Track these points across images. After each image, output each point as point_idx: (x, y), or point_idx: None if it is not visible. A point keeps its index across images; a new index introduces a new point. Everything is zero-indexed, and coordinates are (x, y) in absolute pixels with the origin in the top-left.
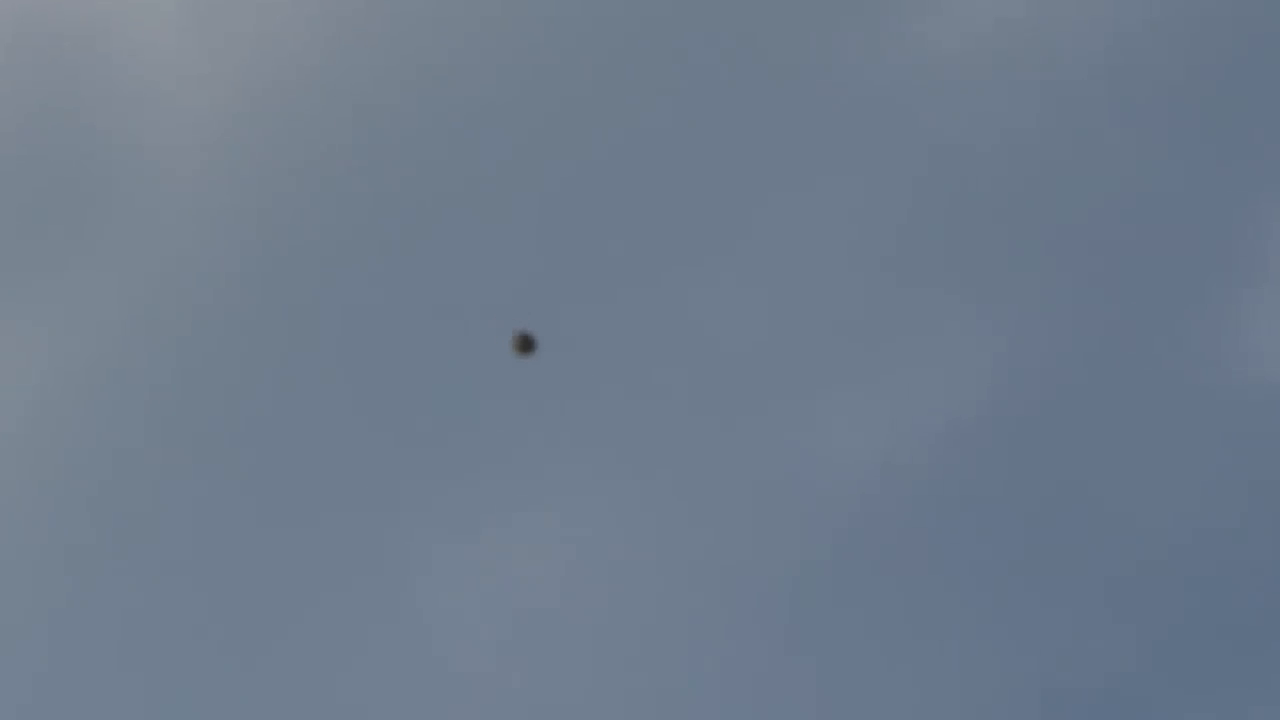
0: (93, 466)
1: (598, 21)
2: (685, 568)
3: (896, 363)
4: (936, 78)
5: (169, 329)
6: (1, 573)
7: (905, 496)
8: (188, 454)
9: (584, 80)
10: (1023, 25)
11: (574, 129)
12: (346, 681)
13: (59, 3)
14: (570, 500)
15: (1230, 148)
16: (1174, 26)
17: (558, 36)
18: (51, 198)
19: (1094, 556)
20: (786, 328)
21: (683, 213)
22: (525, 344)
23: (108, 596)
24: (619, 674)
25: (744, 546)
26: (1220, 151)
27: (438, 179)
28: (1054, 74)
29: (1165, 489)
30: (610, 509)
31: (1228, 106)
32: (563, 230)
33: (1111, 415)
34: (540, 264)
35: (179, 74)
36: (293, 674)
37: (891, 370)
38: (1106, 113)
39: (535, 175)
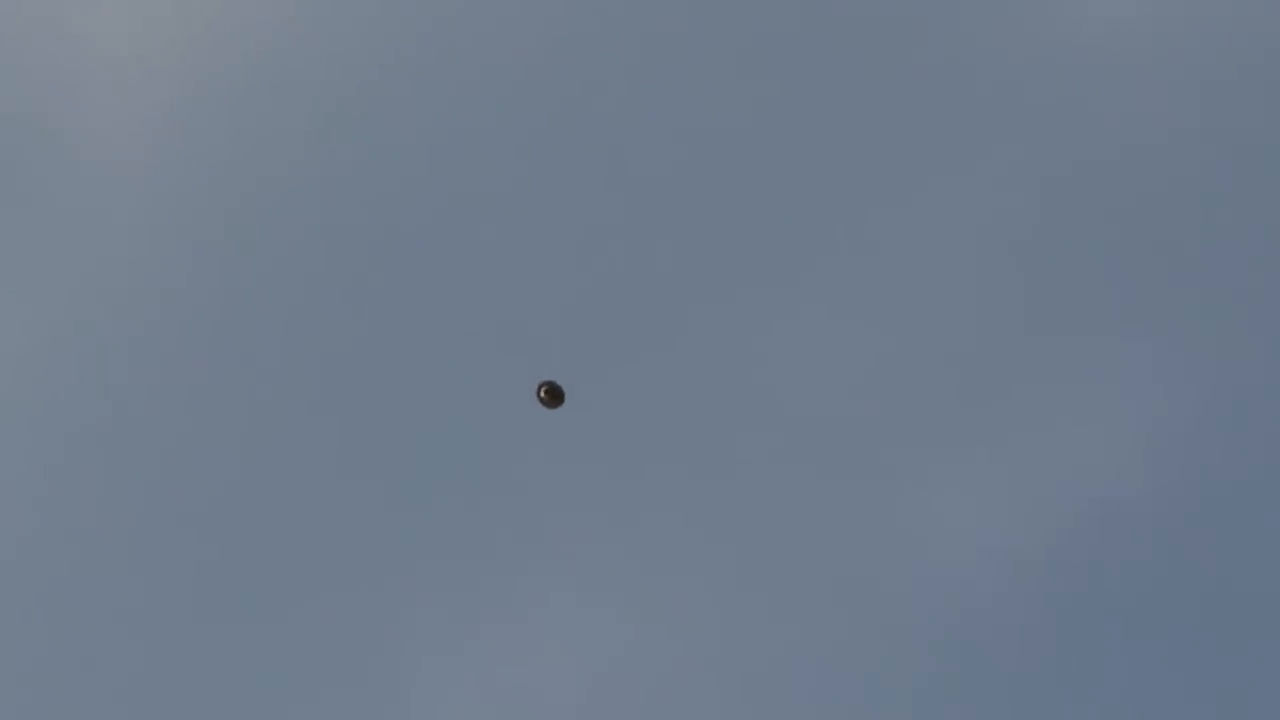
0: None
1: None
2: (751, 680)
3: (1026, 421)
4: (1072, 70)
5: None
6: None
7: (1037, 593)
8: (133, 513)
9: (623, 65)
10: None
11: (604, 116)
12: None
13: None
14: (606, 590)
15: None
16: None
17: (577, 14)
18: None
19: (1275, 665)
20: (886, 376)
21: (755, 229)
22: (552, 395)
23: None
24: None
25: (829, 657)
26: None
27: (438, 179)
28: (1213, 70)
29: None
30: (657, 602)
31: None
32: (598, 247)
33: None
34: (571, 289)
35: (125, 62)
36: None
37: (1020, 431)
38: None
39: (558, 173)
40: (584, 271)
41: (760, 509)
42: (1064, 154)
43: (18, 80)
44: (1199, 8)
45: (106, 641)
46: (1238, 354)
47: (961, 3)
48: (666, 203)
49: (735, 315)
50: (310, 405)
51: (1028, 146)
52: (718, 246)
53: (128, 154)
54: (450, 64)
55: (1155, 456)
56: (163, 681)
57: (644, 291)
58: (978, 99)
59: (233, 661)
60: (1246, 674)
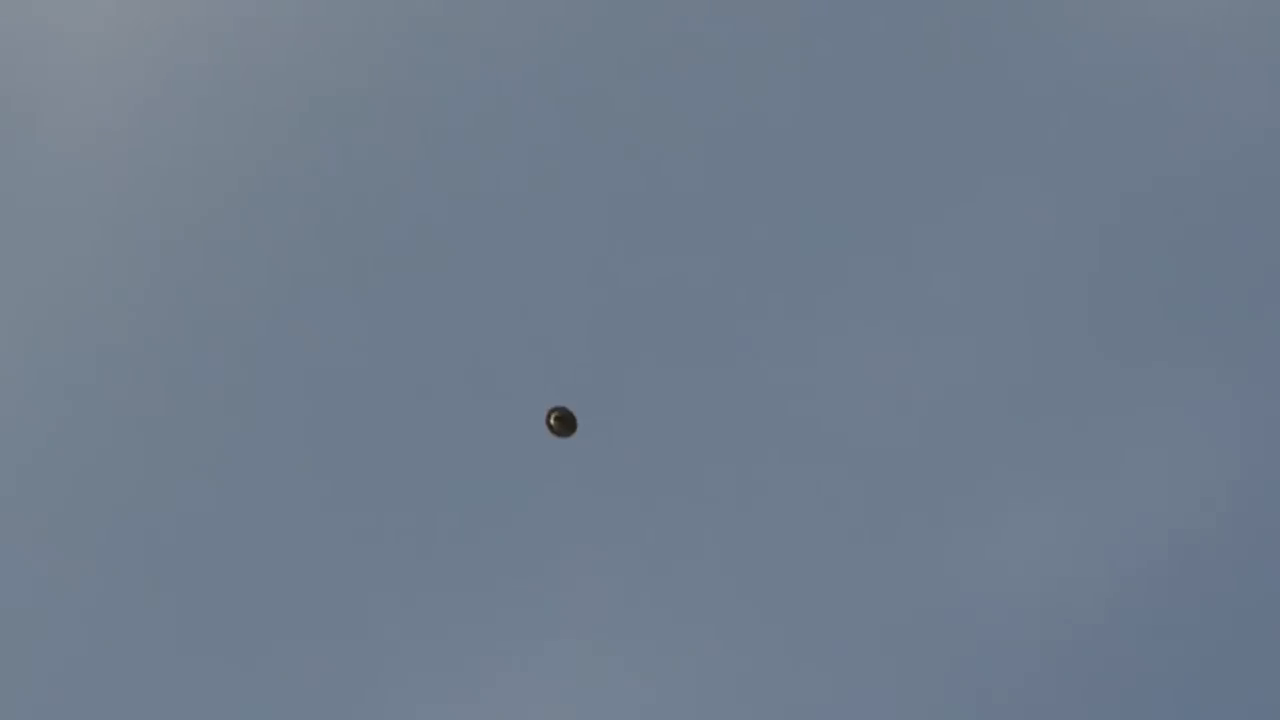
0: None
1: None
2: None
3: (1096, 454)
4: (1152, 66)
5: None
6: None
7: (1108, 643)
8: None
9: (651, 62)
10: None
11: (626, 113)
12: None
13: None
14: (621, 639)
15: None
16: None
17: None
18: None
19: None
20: (940, 404)
21: (795, 239)
22: (563, 422)
23: None
24: None
25: (873, 719)
26: None
27: (443, 173)
28: None
29: None
30: (678, 655)
31: None
32: (620, 255)
33: None
34: (586, 304)
35: (99, 41)
36: None
37: (1089, 465)
38: None
39: (571, 176)
40: (602, 284)
41: (798, 550)
42: (1141, 160)
43: None
44: None
45: (68, 690)
46: None
47: None
48: (699, 208)
49: (769, 334)
50: (293, 426)
51: (1101, 151)
52: (753, 258)
53: (100, 140)
54: (458, 48)
55: (1238, 490)
56: None
57: (667, 307)
58: (1046, 98)
59: (209, 708)
60: None
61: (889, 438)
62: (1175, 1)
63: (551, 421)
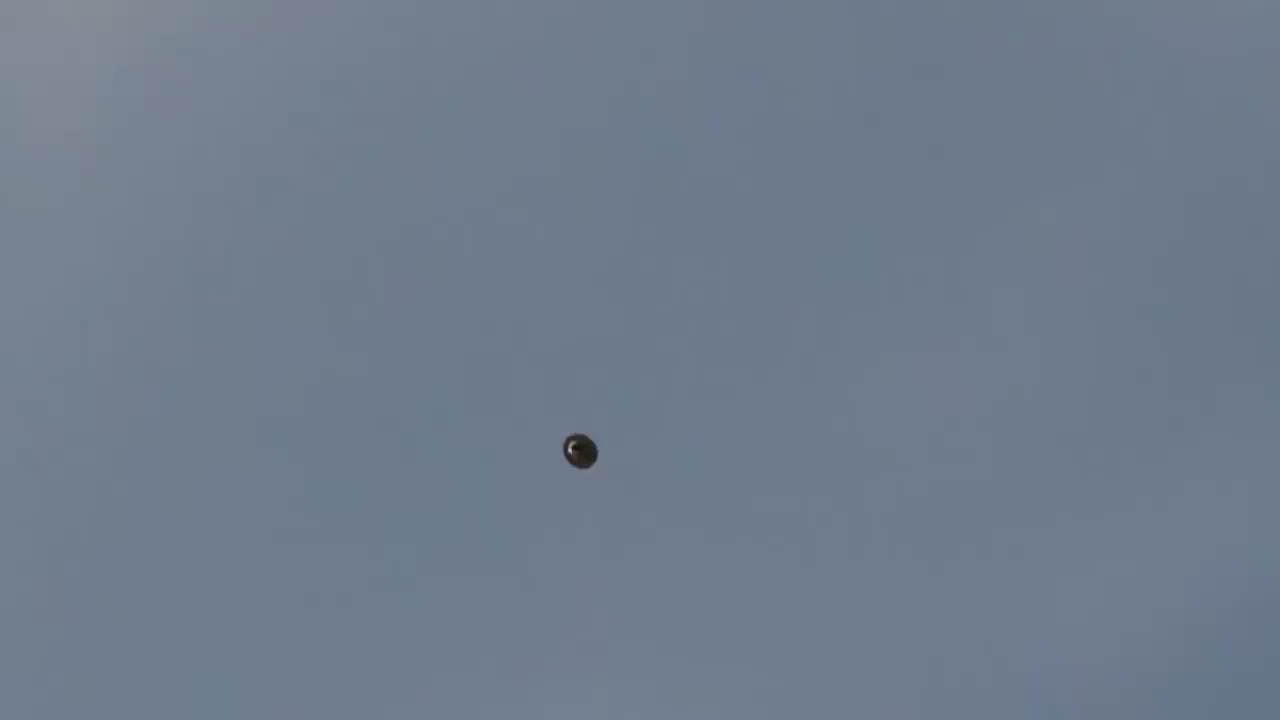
0: None
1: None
2: None
3: (1167, 488)
4: (1228, 60)
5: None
6: None
7: (1182, 696)
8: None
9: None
10: None
11: (655, 106)
12: None
13: None
14: (652, 686)
15: None
16: None
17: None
18: None
19: None
20: (997, 434)
21: (840, 254)
22: (582, 451)
23: None
24: None
25: None
26: None
27: (444, 172)
28: None
29: None
30: (713, 704)
31: None
32: (646, 265)
33: None
34: (610, 317)
35: (69, 22)
36: None
37: (1160, 500)
38: None
39: (600, 177)
40: (629, 298)
41: (835, 590)
42: (1218, 165)
43: None
44: None
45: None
46: None
47: None
48: (737, 214)
49: (807, 353)
50: (278, 452)
51: (1175, 155)
52: (794, 270)
53: (72, 124)
54: (460, 36)
55: None
56: None
57: (699, 323)
58: (1114, 97)
59: None
60: None
61: (936, 467)
62: None
63: (570, 450)
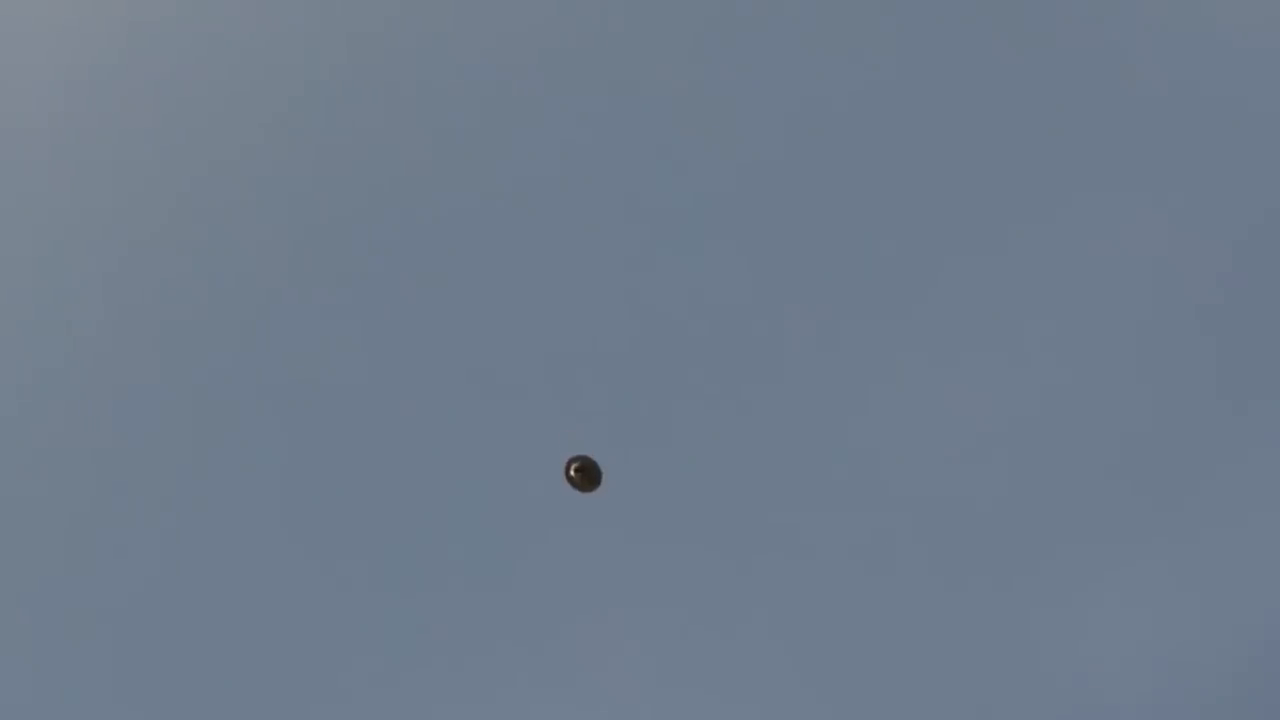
0: None
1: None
2: None
3: (1215, 514)
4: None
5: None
6: None
7: None
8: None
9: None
10: None
11: (659, 98)
12: None
13: None
14: (664, 713)
15: None
16: None
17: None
18: None
19: None
20: (1032, 454)
21: (861, 253)
22: (584, 474)
23: None
24: None
25: None
26: None
27: (440, 170)
28: None
29: None
30: None
31: None
32: (655, 277)
33: None
34: (617, 331)
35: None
36: None
37: (1207, 527)
38: None
39: (606, 181)
40: (637, 311)
41: (855, 618)
42: (1270, 172)
43: None
44: None
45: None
46: None
47: None
48: (752, 221)
49: (826, 366)
50: (271, 459)
51: (1224, 161)
52: (814, 278)
53: (47, 109)
54: (465, 26)
55: None
56: None
57: (710, 337)
58: (1164, 100)
59: None
60: None
61: (965, 488)
62: None
63: (572, 473)
